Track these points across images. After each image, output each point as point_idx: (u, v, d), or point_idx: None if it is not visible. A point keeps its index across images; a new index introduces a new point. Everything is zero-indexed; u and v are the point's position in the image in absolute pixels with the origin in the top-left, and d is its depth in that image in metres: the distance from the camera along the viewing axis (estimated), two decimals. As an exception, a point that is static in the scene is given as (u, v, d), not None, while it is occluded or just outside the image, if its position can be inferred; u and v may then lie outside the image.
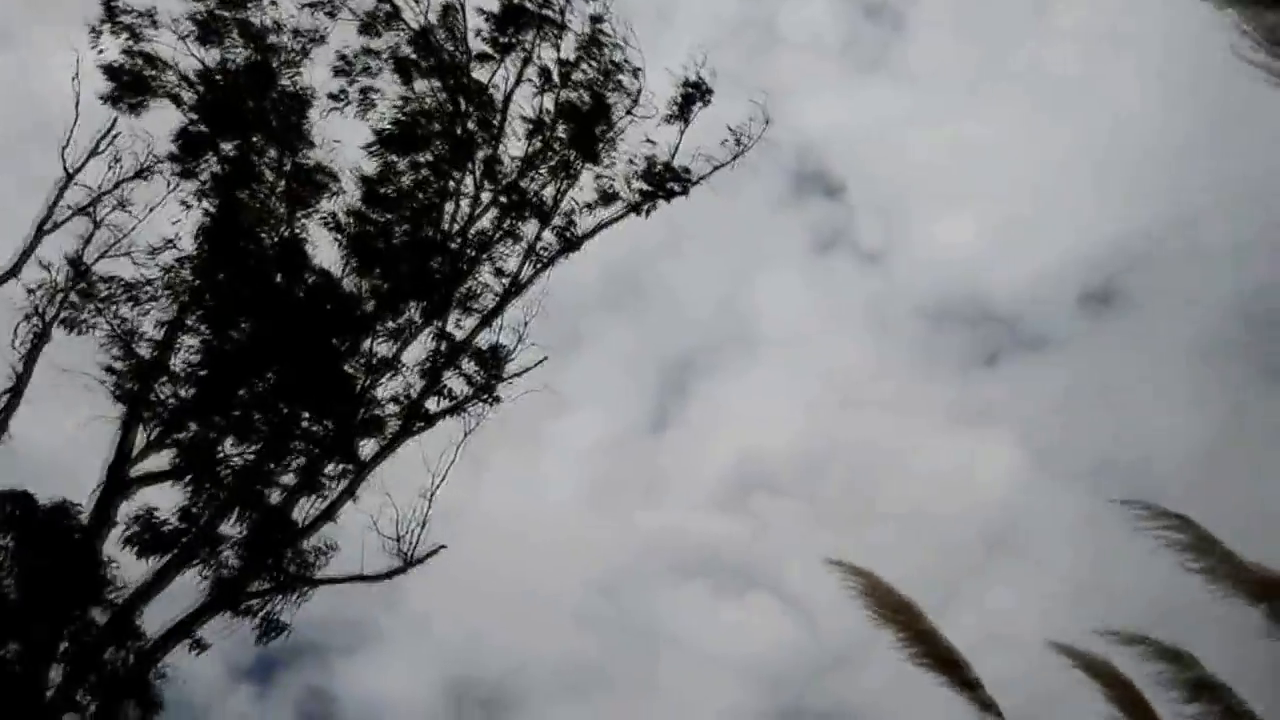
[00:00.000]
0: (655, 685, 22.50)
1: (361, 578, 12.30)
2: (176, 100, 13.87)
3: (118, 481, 12.18)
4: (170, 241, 13.49)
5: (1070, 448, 24.24)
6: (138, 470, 12.38)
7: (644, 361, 25.25)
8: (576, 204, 14.53)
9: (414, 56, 14.51)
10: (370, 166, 14.18)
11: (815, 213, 26.30)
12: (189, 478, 12.21)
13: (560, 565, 23.20)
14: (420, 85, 14.53)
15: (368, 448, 12.92)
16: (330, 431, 12.62)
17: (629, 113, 14.59)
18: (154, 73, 13.84)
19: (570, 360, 22.92)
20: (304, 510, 12.31)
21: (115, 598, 11.51)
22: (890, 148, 26.78)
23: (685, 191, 14.55)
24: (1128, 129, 24.95)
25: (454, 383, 13.54)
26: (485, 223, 14.35)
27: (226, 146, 13.78)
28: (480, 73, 14.64)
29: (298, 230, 13.70)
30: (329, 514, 12.37)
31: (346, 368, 12.97)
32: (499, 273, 14.22)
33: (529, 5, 14.52)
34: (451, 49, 14.54)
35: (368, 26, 14.49)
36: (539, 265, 14.24)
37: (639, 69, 14.59)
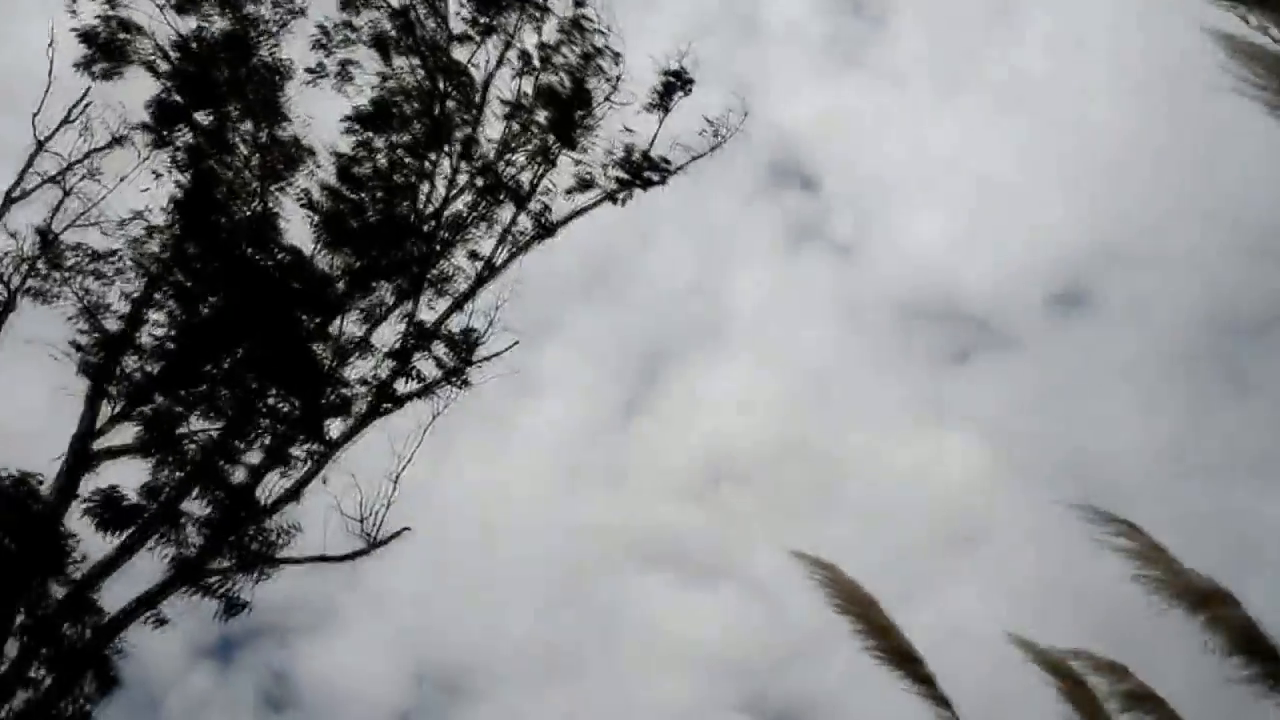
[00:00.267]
0: (619, 672, 22.60)
1: (325, 558, 12.27)
2: (152, 69, 13.68)
3: (82, 455, 12.07)
4: (139, 213, 13.31)
5: (1033, 447, 24.54)
6: (102, 444, 12.27)
7: (615, 349, 25.30)
8: (553, 189, 14.52)
9: (394, 34, 14.40)
10: (346, 144, 14.09)
11: (790, 205, 26.40)
12: (153, 453, 12.10)
13: (526, 551, 23.24)
14: (399, 63, 14.44)
15: (335, 428, 12.88)
16: (297, 411, 12.55)
17: (608, 99, 14.57)
18: (129, 38, 13.64)
19: (542, 346, 22.93)
20: (269, 489, 12.26)
21: (75, 572, 11.41)
22: (866, 143, 26.94)
23: (663, 181, 14.57)
24: (1100, 133, 25.20)
25: (424, 365, 13.51)
26: (460, 205, 14.29)
27: (201, 117, 13.62)
28: (460, 53, 14.57)
29: (271, 205, 13.58)
30: (294, 494, 12.32)
31: (315, 347, 12.89)
32: (473, 255, 14.18)
33: (512, -15, 14.46)
34: (433, 27, 14.44)
35: (348, 2, 14.37)
36: (513, 250, 14.21)
37: (619, 54, 14.58)
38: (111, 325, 12.64)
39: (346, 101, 14.22)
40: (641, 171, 14.51)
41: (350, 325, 13.37)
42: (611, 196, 14.52)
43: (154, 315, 12.85)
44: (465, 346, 13.64)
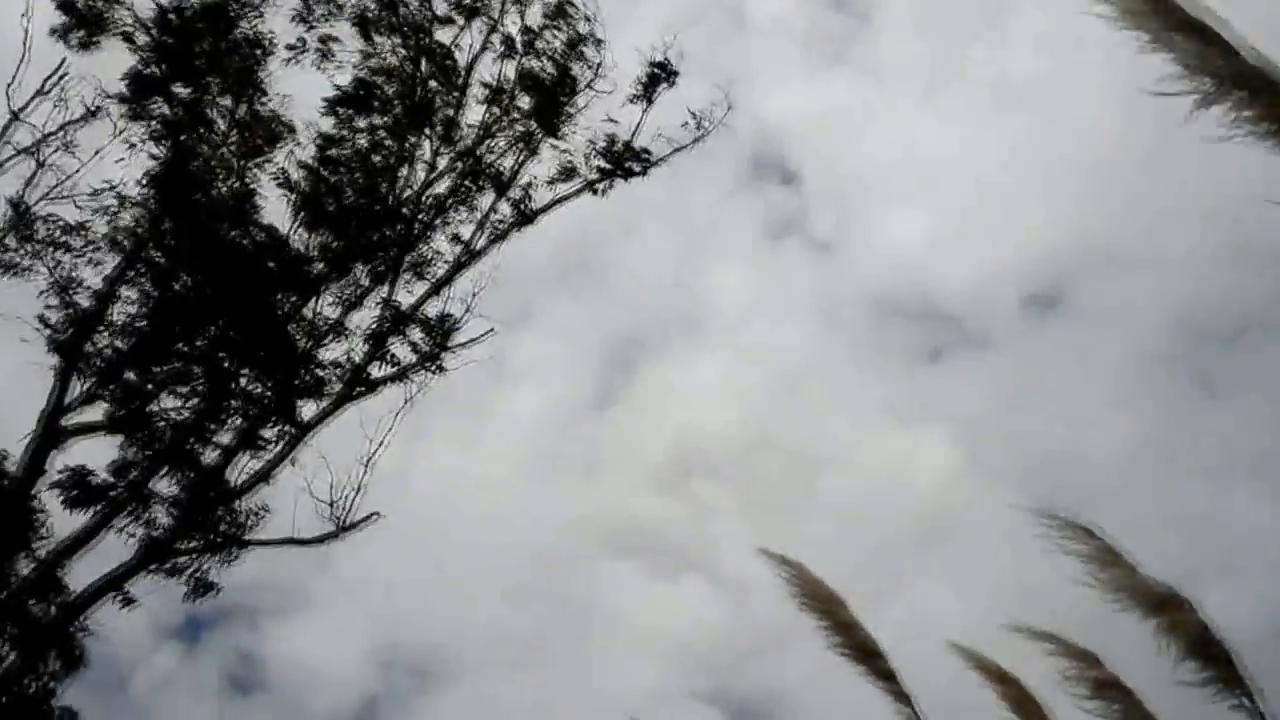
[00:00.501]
0: (586, 661, 22.68)
1: (294, 541, 12.24)
2: (129, 40, 13.47)
3: (52, 431, 11.94)
4: (114, 187, 13.14)
5: (1004, 448, 24.76)
6: (72, 421, 12.14)
7: (592, 339, 25.30)
8: (535, 178, 14.48)
9: (376, 11, 14.26)
10: (326, 123, 13.97)
11: (770, 200, 26.44)
12: (124, 432, 12.00)
13: (496, 538, 23.24)
14: (381, 42, 14.31)
15: (308, 410, 12.83)
16: (270, 392, 12.48)
17: (590, 86, 14.54)
18: (107, 6, 13.42)
19: (518, 334, 22.90)
20: (240, 470, 12.21)
21: (42, 550, 11.32)
22: (848, 139, 27.01)
23: (644, 172, 14.56)
24: (1082, 135, 25.38)
25: (399, 350, 13.48)
26: (440, 189, 14.23)
27: (179, 91, 13.45)
28: (444, 35, 14.47)
29: (249, 183, 13.45)
30: (265, 475, 12.27)
31: (290, 328, 12.82)
32: (455, 239, 14.13)
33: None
34: (416, 6, 14.33)
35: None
36: (492, 237, 14.17)
37: (602, 41, 14.54)
38: (84, 301, 12.50)
39: (326, 79, 14.11)
40: (623, 161, 14.49)
41: (326, 307, 13.31)
42: (592, 186, 14.50)
43: (127, 292, 12.71)
44: (441, 332, 13.60)
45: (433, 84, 14.29)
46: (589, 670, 22.36)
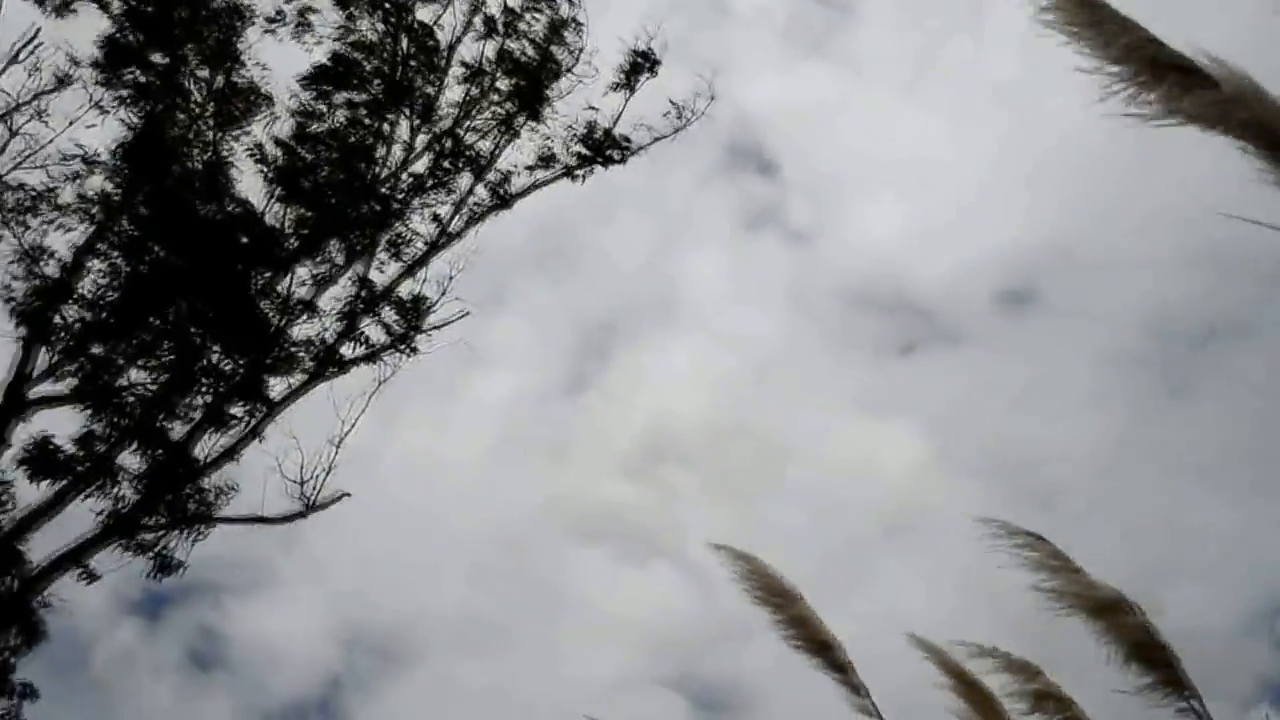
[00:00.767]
0: (551, 646, 22.75)
1: (261, 519, 12.19)
2: (104, 6, 13.28)
3: (16, 402, 11.82)
4: (85, 156, 12.95)
5: (972, 444, 24.99)
6: (37, 392, 12.01)
7: (566, 324, 25.27)
8: (513, 162, 14.42)
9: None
10: (304, 97, 13.83)
11: (747, 189, 26.46)
12: (90, 404, 11.89)
13: (464, 521, 23.25)
14: (361, 18, 14.18)
15: (277, 388, 12.75)
16: (240, 369, 12.39)
17: (571, 71, 14.48)
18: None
19: (492, 317, 22.84)
20: (207, 447, 12.13)
21: (2, 520, 11.20)
22: (827, 131, 27.06)
23: (623, 160, 14.53)
24: (1058, 136, 25.55)
25: (372, 330, 13.41)
26: (418, 169, 14.14)
27: (156, 59, 13.27)
28: (424, 13, 14.36)
29: (224, 154, 13.30)
30: (232, 453, 12.20)
31: (262, 305, 12.72)
32: (435, 219, 14.05)
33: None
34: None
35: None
36: (468, 219, 14.11)
37: (582, 24, 14.49)
38: (52, 270, 12.36)
39: (304, 51, 13.96)
40: (603, 149, 14.46)
41: (299, 284, 13.21)
42: (571, 172, 14.46)
43: (96, 263, 12.57)
44: (415, 313, 13.55)
45: (413, 63, 14.18)
46: (554, 655, 22.44)
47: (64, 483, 11.48)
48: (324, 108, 13.82)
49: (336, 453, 12.57)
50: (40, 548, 11.31)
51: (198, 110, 13.49)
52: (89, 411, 11.88)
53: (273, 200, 13.33)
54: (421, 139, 14.16)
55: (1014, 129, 26.64)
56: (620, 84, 14.54)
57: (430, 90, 14.22)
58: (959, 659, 4.00)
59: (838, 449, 24.81)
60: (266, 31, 13.92)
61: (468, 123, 14.33)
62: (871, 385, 25.99)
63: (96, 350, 12.10)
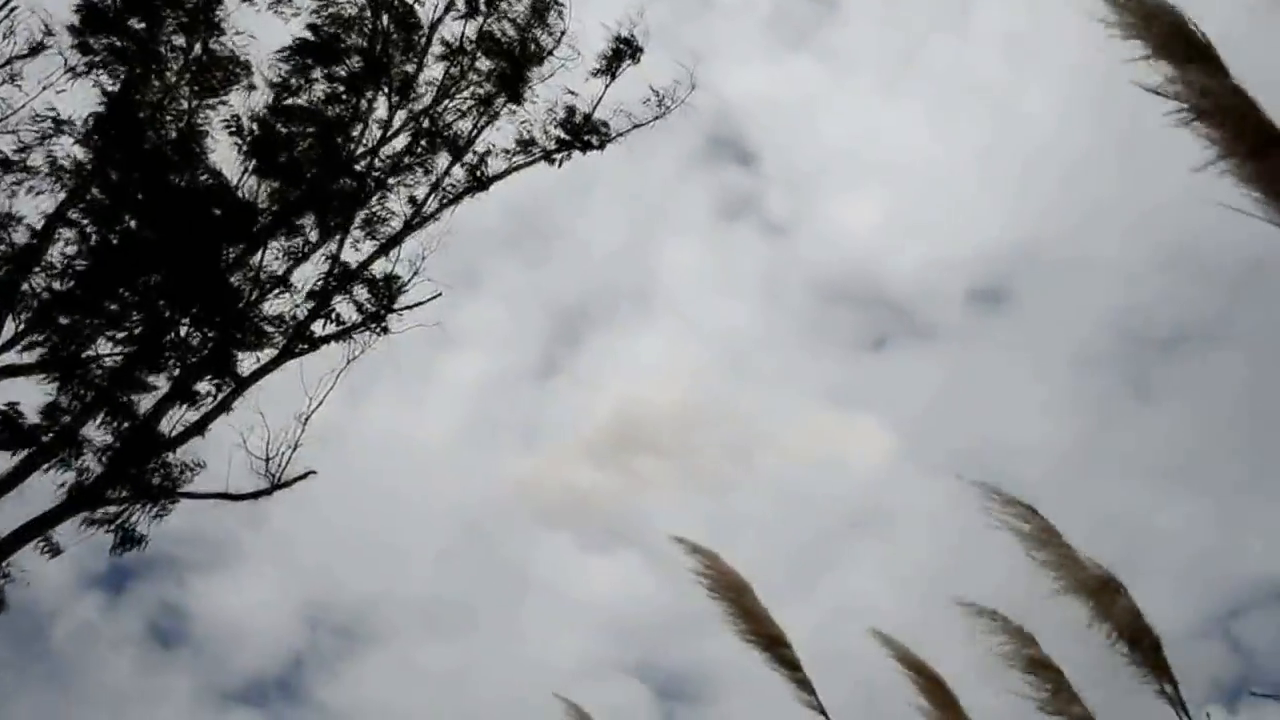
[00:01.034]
0: (515, 630, 22.84)
1: (226, 495, 12.15)
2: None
3: (-22, 369, 11.71)
4: (58, 121, 12.76)
5: (939, 440, 25.23)
6: (2, 361, 11.90)
7: (539, 308, 25.26)
8: (491, 144, 14.37)
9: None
10: (281, 70, 13.70)
11: (726, 179, 26.50)
12: (56, 375, 11.79)
13: (432, 502, 23.24)
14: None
15: (246, 364, 12.69)
16: (209, 343, 12.32)
17: (552, 53, 14.43)
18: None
19: (464, 298, 22.81)
20: (173, 421, 12.07)
21: (-36, 490, 11.12)
22: (808, 124, 27.12)
23: (602, 146, 14.49)
24: (1038, 137, 25.73)
25: (343, 308, 13.36)
26: (395, 147, 14.06)
27: (134, 24, 13.09)
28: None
29: (199, 123, 13.17)
30: (199, 428, 12.14)
31: (233, 279, 12.64)
32: (411, 200, 13.99)
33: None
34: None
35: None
36: (444, 200, 14.05)
37: (564, 6, 14.42)
38: (21, 238, 12.22)
39: (282, 22, 13.81)
40: (582, 134, 14.43)
41: (271, 259, 13.13)
42: (549, 156, 14.43)
43: (67, 231, 12.43)
44: (387, 293, 13.51)
45: (394, 37, 14.08)
46: (518, 639, 22.53)
47: (27, 454, 11.39)
48: (301, 82, 13.70)
49: (303, 430, 12.55)
50: (1, 520, 11.25)
51: (174, 79, 13.34)
52: (55, 382, 11.79)
53: (247, 174, 13.24)
54: (400, 117, 14.09)
55: (994, 129, 26.80)
56: (602, 70, 14.51)
57: (409, 68, 14.13)
58: (926, 646, 4.09)
59: (808, 440, 24.99)
60: (244, 0, 13.77)
61: (447, 102, 14.26)
62: (843, 379, 26.18)
63: (64, 320, 11.99)
